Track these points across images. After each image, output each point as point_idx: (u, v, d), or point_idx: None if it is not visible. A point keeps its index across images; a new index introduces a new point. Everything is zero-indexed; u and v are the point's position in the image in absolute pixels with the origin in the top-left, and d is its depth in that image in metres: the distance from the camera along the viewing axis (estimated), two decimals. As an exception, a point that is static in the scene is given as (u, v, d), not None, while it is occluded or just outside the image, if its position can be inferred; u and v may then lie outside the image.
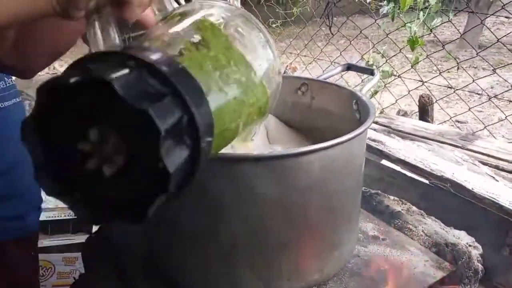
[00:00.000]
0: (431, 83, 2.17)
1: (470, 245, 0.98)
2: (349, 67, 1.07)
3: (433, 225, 1.03)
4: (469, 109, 2.10)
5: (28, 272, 1.12)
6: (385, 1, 2.15)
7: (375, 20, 2.08)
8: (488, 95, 2.11)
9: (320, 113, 1.04)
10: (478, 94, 2.58)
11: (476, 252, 0.98)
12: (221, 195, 0.68)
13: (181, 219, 0.74)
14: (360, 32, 2.21)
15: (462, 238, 1.01)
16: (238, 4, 3.30)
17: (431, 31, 1.98)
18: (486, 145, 1.64)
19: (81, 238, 1.89)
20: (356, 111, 0.92)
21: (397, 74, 2.15)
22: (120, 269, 0.98)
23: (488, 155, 1.56)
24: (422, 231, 1.00)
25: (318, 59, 2.53)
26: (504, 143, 1.66)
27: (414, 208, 1.12)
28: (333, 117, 1.00)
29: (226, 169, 0.67)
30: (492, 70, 1.92)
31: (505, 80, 2.26)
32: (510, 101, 2.24)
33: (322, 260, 0.79)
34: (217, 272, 0.75)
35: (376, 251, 0.93)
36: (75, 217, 1.93)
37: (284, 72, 2.86)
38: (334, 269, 0.83)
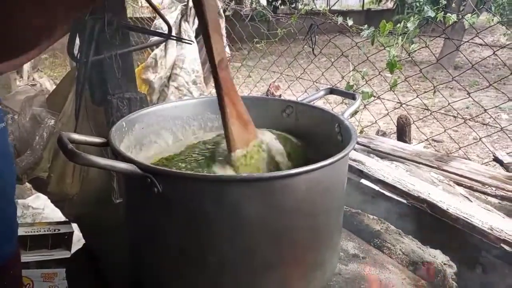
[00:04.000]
0: (408, 104, 2.25)
1: (445, 264, 1.03)
2: (332, 91, 1.11)
3: (410, 244, 1.07)
4: (445, 130, 2.18)
5: None
6: (366, 25, 2.24)
7: (356, 44, 2.16)
8: (463, 118, 2.19)
9: (304, 134, 1.08)
10: (454, 116, 2.68)
11: (450, 270, 1.02)
12: (208, 216, 0.70)
13: (168, 239, 0.76)
14: (342, 54, 2.29)
15: (437, 256, 1.06)
16: (192, 36, 3.28)
17: (409, 55, 2.07)
18: (461, 167, 1.71)
19: (59, 254, 1.86)
20: (338, 134, 0.96)
21: (377, 96, 2.23)
22: (104, 285, 0.99)
23: (463, 176, 1.62)
24: (400, 250, 1.04)
25: (300, 78, 2.59)
26: (478, 165, 1.73)
27: (392, 227, 1.16)
28: (316, 138, 1.04)
29: (213, 190, 0.69)
30: (467, 93, 2.01)
31: (478, 103, 2.36)
32: (484, 124, 2.34)
33: (306, 280, 0.81)
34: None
35: (356, 269, 0.97)
36: (54, 232, 1.91)
37: (267, 91, 2.91)
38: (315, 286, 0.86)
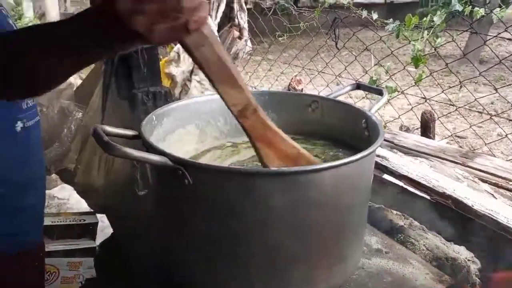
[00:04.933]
0: (432, 99, 2.23)
1: (469, 260, 1.02)
2: (359, 86, 1.12)
3: (434, 240, 1.07)
4: (470, 127, 2.15)
5: (32, 281, 1.12)
6: (391, 19, 2.22)
7: (381, 38, 2.14)
8: (488, 113, 2.16)
9: (330, 129, 1.09)
10: (480, 112, 2.64)
11: (474, 266, 1.02)
12: (236, 208, 0.72)
13: (197, 230, 0.78)
14: (366, 48, 2.27)
15: (461, 253, 1.05)
16: (215, 27, 3.30)
17: (435, 49, 2.04)
18: (486, 163, 1.68)
19: (85, 244, 1.91)
20: (365, 129, 0.97)
21: (401, 90, 2.21)
22: (129, 274, 1.02)
23: (488, 173, 1.60)
24: (424, 245, 1.05)
25: (322, 72, 2.58)
26: (503, 161, 1.71)
27: (416, 222, 1.17)
28: (342, 133, 1.05)
29: (241, 183, 0.71)
30: (494, 88, 1.97)
31: (504, 98, 2.32)
32: (510, 119, 2.29)
33: (330, 272, 0.83)
34: (230, 281, 0.79)
35: (379, 263, 0.97)
36: (79, 222, 1.96)
37: (289, 85, 2.91)
38: (340, 281, 0.87)
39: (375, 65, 2.33)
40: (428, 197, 1.32)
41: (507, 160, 1.96)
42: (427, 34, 2.00)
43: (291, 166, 0.76)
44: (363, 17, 2.32)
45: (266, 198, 0.71)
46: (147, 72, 1.84)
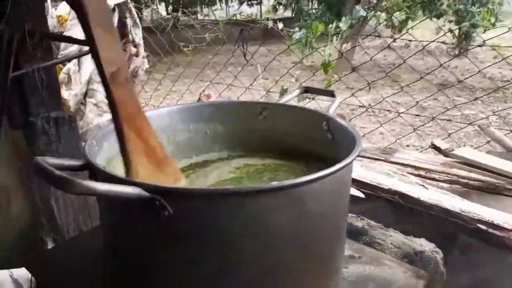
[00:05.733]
0: (343, 102, 2.34)
1: (433, 251, 1.04)
2: (307, 90, 1.08)
3: (398, 237, 1.07)
4: (381, 125, 2.29)
5: None
6: (297, 28, 2.27)
7: (288, 46, 2.18)
8: (397, 112, 2.34)
9: (283, 136, 1.03)
10: (387, 110, 2.85)
11: (439, 256, 1.04)
12: (233, 235, 0.62)
13: (179, 270, 0.65)
14: (274, 58, 2.29)
15: (424, 245, 1.07)
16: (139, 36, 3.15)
17: (342, 55, 2.14)
18: (405, 156, 1.79)
19: None
20: (327, 131, 0.93)
21: (311, 98, 2.27)
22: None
23: (410, 166, 1.70)
24: (391, 243, 1.04)
25: (231, 85, 2.54)
26: (419, 153, 1.84)
27: (372, 222, 1.16)
28: (300, 139, 0.99)
29: (235, 205, 0.61)
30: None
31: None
32: (417, 115, 2.52)
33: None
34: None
35: (357, 270, 0.94)
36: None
37: (198, 100, 2.81)
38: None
39: (283, 75, 2.37)
40: (362, 195, 1.33)
41: (420, 151, 2.12)
42: (336, 40, 2.10)
43: (156, 169, 0.68)
44: (269, 27, 2.35)
45: (265, 217, 0.61)
46: (46, 94, 1.60)
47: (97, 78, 3.02)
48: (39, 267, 1.02)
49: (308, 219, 0.65)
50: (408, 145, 2.97)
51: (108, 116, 2.99)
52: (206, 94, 2.68)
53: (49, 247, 1.71)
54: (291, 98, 1.08)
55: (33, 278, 0.94)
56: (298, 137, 1.00)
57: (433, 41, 1.93)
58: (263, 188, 0.62)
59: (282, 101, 1.06)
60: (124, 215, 0.66)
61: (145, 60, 3.32)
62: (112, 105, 0.62)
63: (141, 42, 3.27)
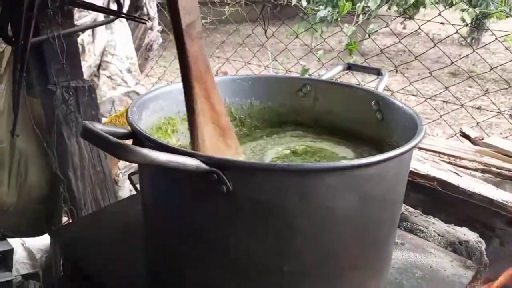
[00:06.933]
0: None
1: (478, 241, 1.00)
2: (349, 67, 1.02)
3: (440, 224, 1.02)
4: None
5: None
6: (323, 6, 2.19)
7: (312, 25, 2.10)
8: (424, 97, 2.27)
9: (326, 115, 0.97)
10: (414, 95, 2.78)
11: (483, 247, 1.00)
12: (293, 214, 0.57)
13: (232, 251, 0.60)
14: (297, 36, 2.21)
15: (467, 234, 1.02)
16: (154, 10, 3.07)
17: (369, 36, 2.06)
18: (433, 143, 1.73)
19: (-1, 277, 1.54)
20: (377, 111, 0.87)
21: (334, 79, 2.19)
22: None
23: (440, 153, 1.64)
24: (434, 231, 0.99)
25: (249, 63, 2.47)
26: (448, 140, 1.78)
27: (411, 208, 1.11)
28: (344, 119, 0.94)
29: (295, 184, 0.55)
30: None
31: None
32: (445, 101, 2.45)
33: (379, 277, 0.71)
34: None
35: (402, 257, 0.89)
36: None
37: (216, 75, 2.74)
38: (384, 282, 0.77)
39: (305, 54, 2.28)
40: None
41: (447, 139, 2.06)
42: (362, 19, 2.01)
43: (220, 137, 0.63)
44: (293, 4, 2.25)
45: (325, 200, 0.56)
46: (66, 63, 1.54)
47: (111, 50, 2.95)
48: (66, 239, 0.98)
49: (369, 201, 0.60)
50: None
51: (122, 89, 2.93)
52: (223, 72, 2.61)
53: (65, 218, 1.68)
54: (333, 75, 1.02)
55: (58, 248, 0.89)
56: (344, 117, 0.94)
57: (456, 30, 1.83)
58: (331, 167, 0.56)
59: (324, 77, 0.99)
60: (177, 189, 0.60)
61: (159, 34, 3.24)
62: (184, 59, 0.56)
63: (156, 15, 3.18)
